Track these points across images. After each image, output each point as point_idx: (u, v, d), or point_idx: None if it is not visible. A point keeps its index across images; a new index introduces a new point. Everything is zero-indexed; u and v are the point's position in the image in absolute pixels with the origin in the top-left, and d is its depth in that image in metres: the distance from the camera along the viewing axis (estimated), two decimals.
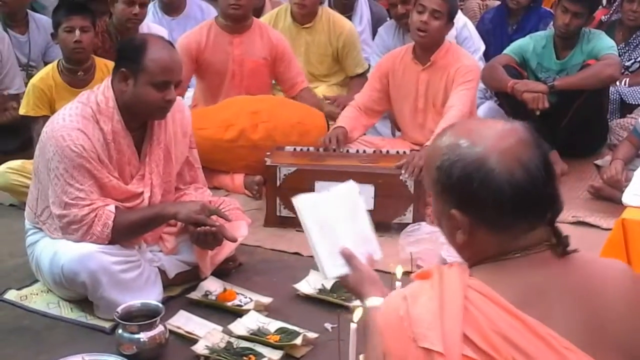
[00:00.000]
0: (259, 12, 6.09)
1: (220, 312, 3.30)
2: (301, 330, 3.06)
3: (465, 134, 1.65)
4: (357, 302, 2.34)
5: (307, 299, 3.42)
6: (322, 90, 5.64)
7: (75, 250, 3.11)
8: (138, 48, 3.16)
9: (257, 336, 3.04)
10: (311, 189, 4.12)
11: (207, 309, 3.32)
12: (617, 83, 5.52)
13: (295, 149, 4.50)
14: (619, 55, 5.36)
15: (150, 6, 6.02)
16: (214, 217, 3.29)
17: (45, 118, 4.47)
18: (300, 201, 2.44)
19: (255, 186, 4.64)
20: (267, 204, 4.29)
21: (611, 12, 6.19)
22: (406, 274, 2.55)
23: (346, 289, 2.43)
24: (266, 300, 3.35)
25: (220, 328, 3.11)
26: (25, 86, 4.97)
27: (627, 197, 3.25)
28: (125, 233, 3.20)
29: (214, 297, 3.38)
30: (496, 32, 6.15)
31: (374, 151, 4.52)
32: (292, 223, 3.95)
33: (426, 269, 1.70)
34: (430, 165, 1.69)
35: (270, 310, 3.30)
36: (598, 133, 5.32)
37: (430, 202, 3.53)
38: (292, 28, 5.58)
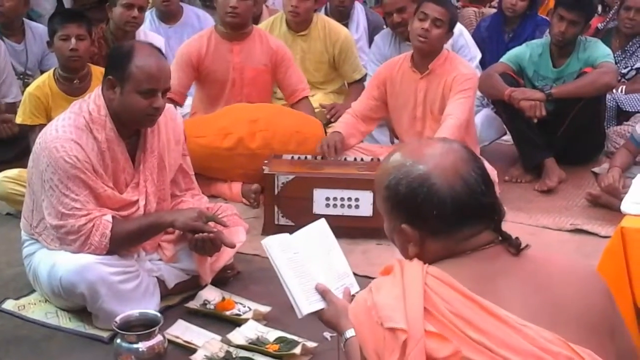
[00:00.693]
0: (256, 20, 6.08)
1: (219, 321, 3.28)
2: (300, 340, 3.05)
3: (409, 154, 1.80)
4: None
5: None
6: (319, 98, 5.64)
7: (73, 261, 3.09)
8: (125, 55, 3.15)
9: (256, 345, 3.04)
10: (309, 197, 4.15)
11: (206, 318, 3.31)
12: (614, 90, 5.53)
13: (293, 157, 4.49)
14: (616, 63, 5.37)
15: (147, 14, 6.02)
16: (211, 223, 3.28)
17: (42, 127, 4.44)
18: (269, 242, 2.51)
19: (252, 194, 4.63)
20: (265, 213, 4.28)
21: (607, 19, 6.21)
22: None
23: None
24: (265, 309, 3.34)
25: (219, 337, 3.10)
26: (22, 95, 4.95)
27: (626, 205, 3.24)
28: (123, 242, 3.19)
29: (212, 306, 3.37)
30: (492, 40, 6.16)
31: (372, 159, 4.52)
32: (291, 231, 3.92)
33: (388, 265, 1.80)
34: (379, 186, 1.83)
35: (269, 320, 3.29)
36: (595, 140, 5.32)
37: None
38: (287, 36, 5.58)
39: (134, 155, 3.32)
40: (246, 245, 3.69)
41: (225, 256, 3.49)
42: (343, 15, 6.14)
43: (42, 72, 5.34)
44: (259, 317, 3.27)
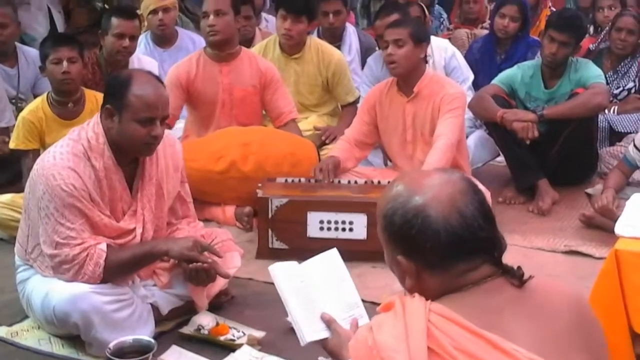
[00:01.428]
0: (249, 43, 6.11)
1: (213, 346, 3.26)
2: None
3: (408, 184, 1.79)
4: None
5: None
6: (312, 120, 5.64)
7: (66, 290, 3.07)
8: (122, 84, 3.14)
9: None
10: (303, 220, 4.14)
11: (200, 344, 3.29)
12: (606, 111, 5.55)
13: (286, 180, 4.49)
14: (607, 84, 5.40)
15: (142, 37, 6.05)
16: (206, 253, 3.28)
17: (36, 151, 4.49)
18: (277, 269, 2.51)
19: (245, 217, 4.63)
20: (259, 236, 4.27)
21: (599, 40, 6.24)
22: None
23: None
24: (259, 334, 3.32)
25: None
26: (15, 119, 4.94)
27: (620, 228, 3.24)
28: (117, 272, 3.17)
29: (206, 332, 3.35)
30: (485, 61, 6.18)
31: (366, 182, 4.52)
32: (285, 255, 3.93)
33: (388, 300, 1.78)
34: (379, 215, 1.83)
35: (263, 345, 3.27)
36: (588, 161, 5.34)
37: None
38: (281, 59, 5.59)
39: (132, 183, 3.30)
40: (241, 269, 3.68)
41: (221, 282, 3.47)
42: (335, 38, 6.16)
43: (35, 96, 5.33)
44: (254, 342, 3.26)
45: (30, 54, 5.73)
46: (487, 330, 1.63)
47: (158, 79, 3.30)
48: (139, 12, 5.80)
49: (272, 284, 3.84)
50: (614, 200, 4.36)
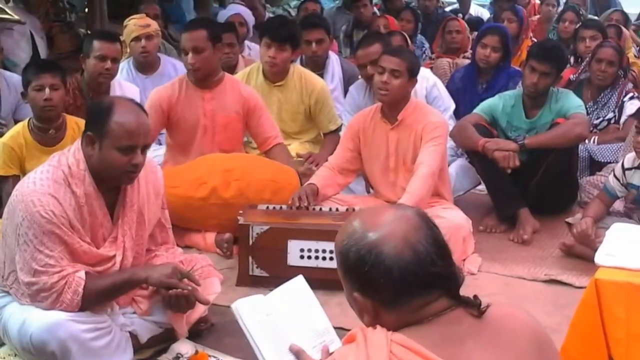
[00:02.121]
0: (232, 70, 6.12)
1: None
2: None
3: (363, 221, 1.80)
4: None
5: None
6: (294, 147, 5.65)
7: (43, 318, 3.03)
8: (104, 111, 3.12)
9: None
10: (284, 248, 4.13)
11: None
12: (586, 141, 5.58)
13: (268, 207, 4.48)
14: (588, 114, 5.45)
15: (124, 64, 6.06)
16: (185, 280, 3.25)
17: (16, 177, 4.46)
18: (239, 306, 2.45)
19: (225, 244, 4.61)
20: (240, 263, 4.25)
21: (579, 71, 6.29)
22: None
23: None
24: None
25: None
26: None
27: (600, 257, 3.25)
28: (96, 300, 3.14)
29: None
30: (466, 90, 6.21)
31: (347, 209, 4.51)
32: (266, 283, 3.93)
33: (351, 332, 1.78)
34: (335, 251, 1.83)
35: None
36: (568, 191, 5.35)
37: None
38: (264, 86, 5.60)
39: (112, 209, 3.28)
40: (220, 296, 3.65)
41: (201, 308, 3.45)
42: (318, 66, 6.18)
43: (16, 122, 5.30)
44: None
45: (12, 79, 5.71)
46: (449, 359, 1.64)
47: (140, 107, 3.28)
48: (121, 38, 5.80)
49: None
50: (592, 227, 4.39)
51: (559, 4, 10.42)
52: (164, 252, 3.56)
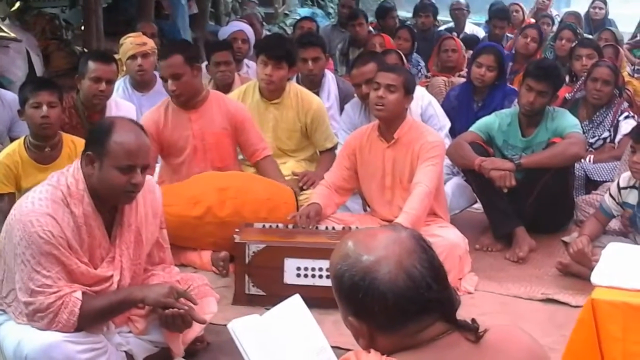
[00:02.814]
0: (228, 88, 6.13)
1: None
2: None
3: (356, 244, 1.77)
4: None
5: None
6: (290, 165, 5.64)
7: (39, 340, 3.02)
8: (104, 131, 3.13)
9: None
10: (280, 267, 4.12)
11: None
12: (582, 160, 5.58)
13: (264, 226, 4.48)
14: (583, 132, 5.45)
15: (120, 82, 6.07)
16: (182, 299, 3.24)
17: (11, 195, 4.46)
18: (236, 325, 2.44)
19: (221, 262, 4.60)
20: (236, 282, 4.24)
21: (575, 90, 6.31)
22: None
23: None
24: None
25: None
26: None
27: (596, 277, 3.25)
28: (92, 320, 3.13)
29: None
30: (462, 108, 6.22)
31: (343, 228, 4.51)
32: (262, 301, 3.92)
33: (345, 356, 1.76)
34: (330, 274, 1.81)
35: None
36: (565, 209, 5.36)
37: None
38: (260, 104, 5.60)
39: (110, 229, 3.27)
40: (216, 315, 3.64)
41: (197, 328, 3.43)
42: (314, 84, 6.19)
43: (11, 140, 5.30)
44: None
45: (6, 97, 5.69)
46: None
47: (140, 127, 3.28)
48: (117, 56, 5.80)
49: None
50: (588, 245, 4.39)
51: (553, 23, 10.50)
52: (160, 271, 3.54)
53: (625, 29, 10.04)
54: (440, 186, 4.74)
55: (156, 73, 6.38)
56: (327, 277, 4.04)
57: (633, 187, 4.49)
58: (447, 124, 5.87)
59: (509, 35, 9.72)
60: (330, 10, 14.42)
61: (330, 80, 6.33)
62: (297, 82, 6.14)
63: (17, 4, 9.15)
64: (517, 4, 10.96)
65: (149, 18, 9.00)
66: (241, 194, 4.70)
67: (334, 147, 5.65)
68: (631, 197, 4.50)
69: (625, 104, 6.12)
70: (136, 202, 3.31)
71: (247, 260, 4.17)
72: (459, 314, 1.79)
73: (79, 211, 3.12)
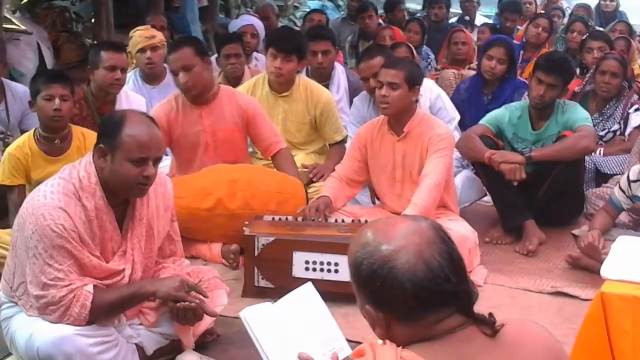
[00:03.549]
0: (238, 81, 6.14)
1: None
2: None
3: (377, 233, 1.78)
4: None
5: None
6: (300, 158, 5.64)
7: (51, 332, 3.03)
8: (116, 124, 3.13)
9: None
10: (289, 260, 4.12)
11: None
12: (593, 153, 5.57)
13: (274, 219, 4.48)
14: (594, 126, 5.43)
15: (131, 75, 6.09)
16: (193, 292, 3.25)
17: (21, 187, 4.49)
18: (248, 314, 2.43)
19: (231, 255, 4.60)
20: (246, 275, 4.25)
21: (584, 83, 6.29)
22: None
23: None
24: None
25: None
26: (2, 155, 4.92)
27: (606, 271, 3.25)
28: (104, 313, 3.13)
29: None
30: (472, 101, 6.22)
31: (353, 221, 4.50)
32: (272, 294, 3.92)
33: (360, 348, 1.76)
34: (349, 262, 1.81)
35: None
36: (575, 203, 5.35)
37: None
38: (269, 97, 5.60)
39: (122, 223, 3.28)
40: (227, 308, 3.65)
41: (208, 321, 3.45)
42: (324, 77, 6.19)
43: (22, 132, 5.32)
44: None
45: (17, 89, 5.72)
46: None
47: (152, 119, 3.28)
48: (127, 49, 5.81)
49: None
50: (600, 239, 4.38)
51: (564, 15, 10.46)
52: (171, 264, 3.55)
53: (636, 22, 9.97)
54: (450, 179, 4.73)
55: (166, 66, 6.40)
56: (336, 271, 4.07)
57: None
58: (457, 116, 5.86)
59: (518, 27, 9.69)
60: (340, 3, 14.38)
61: (340, 74, 6.33)
62: (307, 75, 6.15)
63: None
64: None
65: (159, 10, 9.00)
66: (251, 187, 4.70)
67: (344, 141, 5.65)
68: None
69: (636, 97, 6.09)
70: (148, 195, 3.31)
71: (256, 253, 4.18)
72: (478, 313, 1.78)
73: (91, 205, 3.13)
